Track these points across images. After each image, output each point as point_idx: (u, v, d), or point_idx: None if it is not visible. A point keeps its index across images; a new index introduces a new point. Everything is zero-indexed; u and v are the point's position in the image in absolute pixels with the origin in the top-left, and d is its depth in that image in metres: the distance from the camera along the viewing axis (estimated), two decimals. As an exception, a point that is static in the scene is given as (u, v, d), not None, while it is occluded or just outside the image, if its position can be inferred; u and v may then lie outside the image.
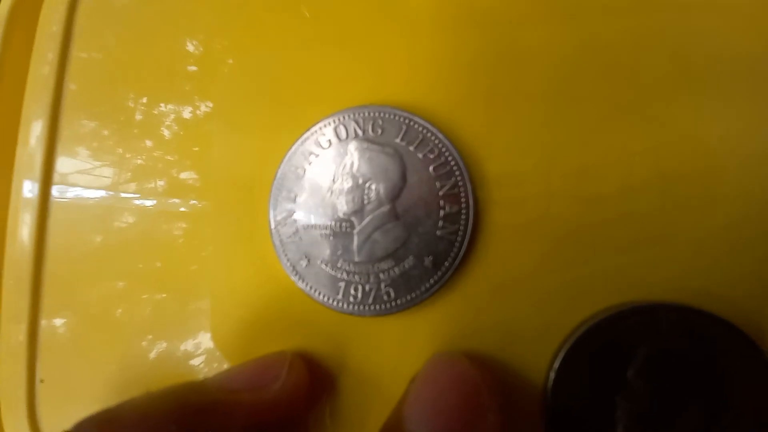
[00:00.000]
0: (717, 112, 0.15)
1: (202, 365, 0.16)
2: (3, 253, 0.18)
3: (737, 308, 0.14)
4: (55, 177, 0.18)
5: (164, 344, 0.17)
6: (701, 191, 0.14)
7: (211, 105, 0.17)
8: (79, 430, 0.10)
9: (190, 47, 0.17)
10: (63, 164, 0.18)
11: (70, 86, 0.18)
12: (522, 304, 0.14)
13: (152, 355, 0.17)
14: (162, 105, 0.17)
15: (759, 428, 0.13)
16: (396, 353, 0.15)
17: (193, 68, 0.17)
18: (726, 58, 0.15)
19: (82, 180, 0.17)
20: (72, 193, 0.18)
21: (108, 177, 0.17)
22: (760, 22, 0.15)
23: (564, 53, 0.15)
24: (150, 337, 0.17)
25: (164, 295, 0.17)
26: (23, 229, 0.18)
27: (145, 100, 0.17)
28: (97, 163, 0.17)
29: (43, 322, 0.18)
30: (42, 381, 0.18)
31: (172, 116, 0.17)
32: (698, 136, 0.15)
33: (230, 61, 0.17)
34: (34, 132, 0.18)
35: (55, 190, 0.18)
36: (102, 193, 0.17)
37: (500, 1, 0.15)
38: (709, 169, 0.15)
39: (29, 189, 0.18)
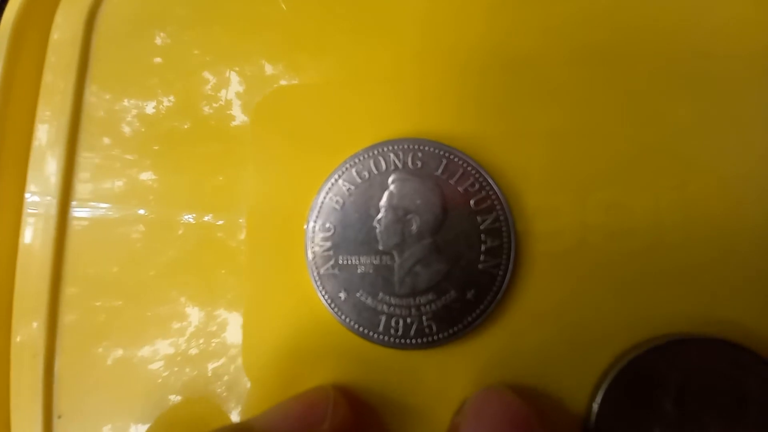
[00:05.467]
0: (739, 151, 0.15)
1: (231, 396, 0.16)
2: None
3: (761, 338, 0.15)
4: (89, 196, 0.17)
5: (188, 374, 0.16)
6: (725, 226, 0.15)
7: (247, 135, 0.16)
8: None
9: (226, 73, 0.17)
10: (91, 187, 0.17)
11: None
12: (561, 336, 0.15)
13: (177, 384, 0.16)
14: (195, 130, 0.17)
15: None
16: (438, 386, 0.15)
17: (231, 96, 0.17)
18: (754, 105, 0.15)
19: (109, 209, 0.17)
20: (96, 220, 0.17)
21: (148, 205, 0.17)
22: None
23: (597, 94, 0.15)
24: (175, 367, 0.16)
25: (193, 326, 0.16)
26: (42, 247, 0.17)
27: (175, 125, 0.17)
28: (125, 199, 0.17)
29: (61, 354, 0.17)
30: (60, 417, 0.17)
31: (208, 142, 0.16)
32: (721, 173, 0.15)
33: (267, 90, 0.16)
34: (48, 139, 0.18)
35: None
36: (140, 226, 0.17)
37: (533, 42, 0.16)
38: (731, 204, 0.15)
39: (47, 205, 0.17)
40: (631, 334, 0.15)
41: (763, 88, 0.15)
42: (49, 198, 0.18)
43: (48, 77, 0.18)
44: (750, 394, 0.14)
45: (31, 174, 0.18)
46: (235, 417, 0.15)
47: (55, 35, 0.19)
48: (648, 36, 0.16)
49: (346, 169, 0.15)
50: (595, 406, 0.14)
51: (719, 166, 0.15)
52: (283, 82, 0.17)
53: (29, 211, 0.18)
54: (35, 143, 0.18)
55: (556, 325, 0.15)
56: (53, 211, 0.18)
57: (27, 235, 0.18)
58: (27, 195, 0.18)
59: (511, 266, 0.15)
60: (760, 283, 0.15)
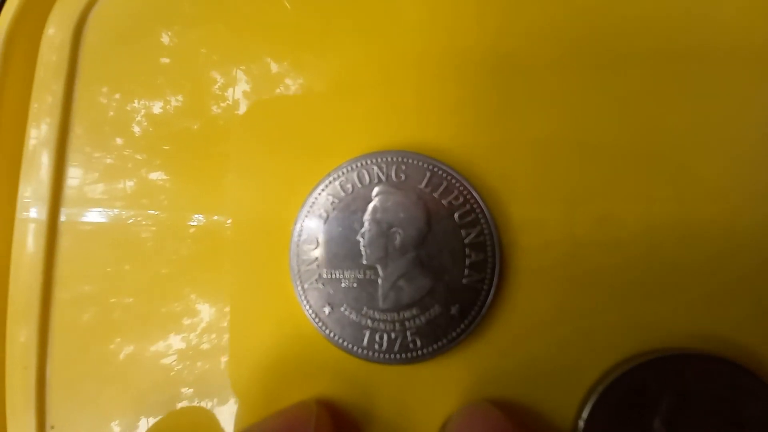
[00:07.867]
0: (734, 161, 0.15)
1: (218, 411, 0.16)
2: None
3: (758, 357, 0.14)
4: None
5: (177, 388, 0.16)
6: (720, 237, 0.15)
7: (232, 146, 0.16)
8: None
9: (211, 84, 0.17)
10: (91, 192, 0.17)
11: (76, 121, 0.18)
12: (548, 351, 0.15)
13: (164, 398, 0.16)
14: (181, 141, 0.17)
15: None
16: (422, 402, 0.15)
17: (215, 107, 0.17)
18: (746, 110, 0.15)
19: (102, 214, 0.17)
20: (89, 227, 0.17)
21: (131, 211, 0.17)
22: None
23: (586, 101, 0.15)
24: (164, 382, 0.16)
25: (176, 339, 0.16)
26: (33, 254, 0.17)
27: (161, 136, 0.17)
28: (116, 208, 0.17)
29: (54, 367, 0.17)
30: (53, 428, 0.17)
31: (193, 153, 0.16)
32: (715, 183, 0.15)
33: (253, 101, 0.16)
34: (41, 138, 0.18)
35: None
36: (123, 230, 0.17)
37: (519, 50, 0.15)
38: (726, 215, 0.15)
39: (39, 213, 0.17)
40: (621, 350, 0.14)
41: (759, 95, 0.15)
42: (41, 202, 0.18)
43: (40, 76, 0.18)
44: (747, 418, 0.14)
45: (26, 177, 0.18)
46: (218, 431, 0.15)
47: (49, 34, 0.18)
48: (638, 43, 0.15)
49: (330, 181, 0.15)
50: (581, 423, 0.14)
51: (714, 176, 0.15)
52: (268, 94, 0.17)
53: (23, 215, 0.18)
54: (28, 145, 0.18)
55: (543, 340, 0.15)
56: (44, 215, 0.17)
57: (26, 238, 0.17)
58: (25, 198, 0.18)
59: (495, 281, 0.14)
60: (756, 297, 0.14)
